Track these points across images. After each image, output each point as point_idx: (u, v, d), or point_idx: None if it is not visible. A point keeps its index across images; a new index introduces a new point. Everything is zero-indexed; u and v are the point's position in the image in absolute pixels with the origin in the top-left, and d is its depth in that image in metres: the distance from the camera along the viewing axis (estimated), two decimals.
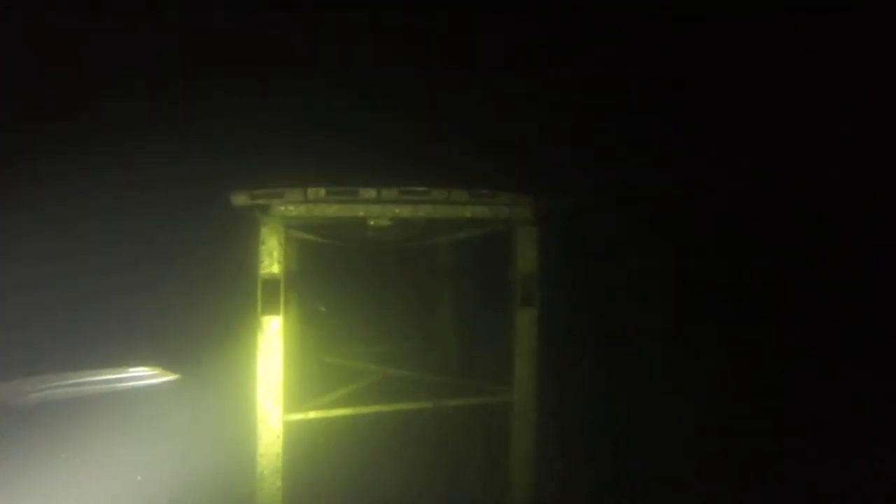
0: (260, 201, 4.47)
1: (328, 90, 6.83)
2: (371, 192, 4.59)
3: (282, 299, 4.73)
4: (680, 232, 6.01)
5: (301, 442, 5.09)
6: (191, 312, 6.03)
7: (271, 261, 4.70)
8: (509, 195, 5.01)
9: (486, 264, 6.52)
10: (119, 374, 5.48)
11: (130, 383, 5.53)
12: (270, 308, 4.69)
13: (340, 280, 7.52)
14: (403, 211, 4.87)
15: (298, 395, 5.21)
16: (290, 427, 4.77)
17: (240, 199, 4.43)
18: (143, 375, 5.53)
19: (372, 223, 4.99)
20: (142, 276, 5.99)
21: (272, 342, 4.69)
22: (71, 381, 5.44)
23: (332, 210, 4.72)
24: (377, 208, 4.81)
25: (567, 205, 5.18)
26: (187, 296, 6.05)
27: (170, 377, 5.58)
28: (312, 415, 4.92)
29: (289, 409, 4.79)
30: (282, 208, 4.62)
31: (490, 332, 6.11)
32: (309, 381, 5.83)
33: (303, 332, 6.65)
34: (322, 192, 4.48)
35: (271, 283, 4.69)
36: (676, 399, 5.59)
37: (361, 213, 4.79)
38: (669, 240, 5.98)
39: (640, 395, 5.85)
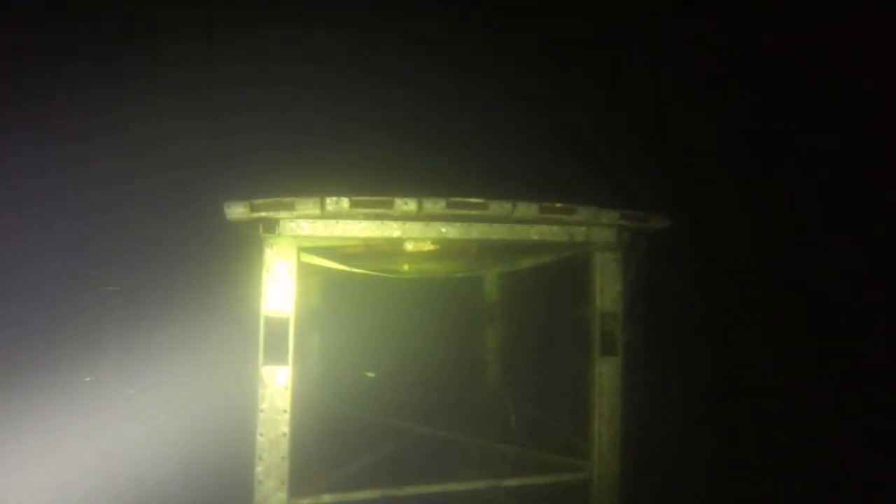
0: (263, 214, 3.35)
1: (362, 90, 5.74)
2: (410, 205, 3.44)
3: (291, 345, 3.59)
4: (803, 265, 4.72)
5: None
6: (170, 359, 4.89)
7: (279, 294, 3.58)
8: (590, 210, 3.82)
9: (548, 298, 5.31)
10: None
11: None
12: (275, 356, 3.55)
13: (364, 314, 6.38)
14: (451, 231, 3.72)
15: (310, 466, 4.02)
16: None
17: (236, 212, 3.32)
18: None
19: (410, 247, 3.85)
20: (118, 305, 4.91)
21: (276, 400, 3.54)
22: None
23: (359, 228, 3.59)
24: (417, 226, 3.66)
25: (663, 224, 3.97)
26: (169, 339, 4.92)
27: None
28: (327, 499, 3.73)
29: (297, 490, 3.62)
30: (292, 224, 3.50)
31: (557, 384, 4.89)
32: (324, 442, 4.63)
33: (319, 379, 5.50)
34: (345, 202, 3.35)
35: (277, 324, 3.56)
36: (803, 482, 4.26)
37: (397, 233, 3.64)
38: (787, 272, 4.70)
39: (758, 471, 4.52)
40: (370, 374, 5.81)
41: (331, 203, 3.35)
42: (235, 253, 3.97)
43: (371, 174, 4.31)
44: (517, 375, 5.81)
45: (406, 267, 5.83)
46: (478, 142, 5.44)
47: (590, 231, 3.98)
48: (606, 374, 4.11)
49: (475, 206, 3.57)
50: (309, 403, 4.86)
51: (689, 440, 4.51)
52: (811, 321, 4.84)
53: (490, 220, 3.75)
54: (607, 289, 4.13)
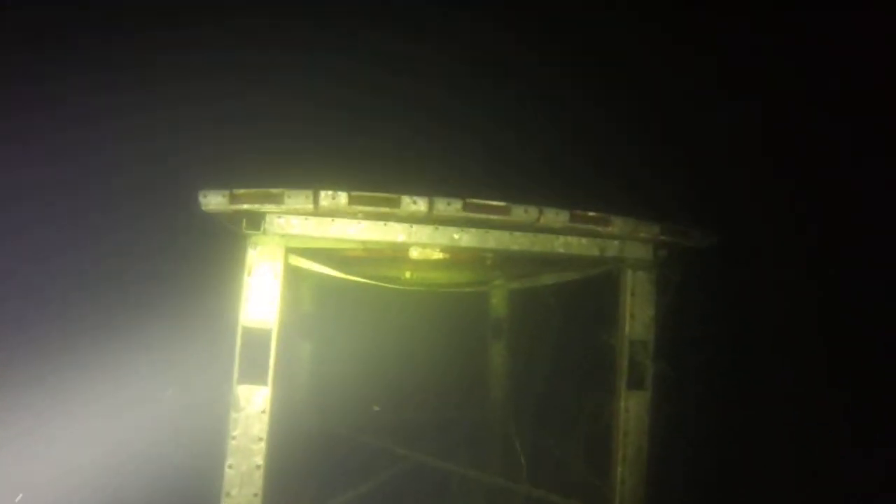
0: (245, 206, 2.83)
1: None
2: (419, 205, 2.92)
3: (272, 362, 3.07)
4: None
5: None
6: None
7: (261, 302, 3.06)
8: (627, 221, 3.31)
9: (564, 317, 4.79)
10: None
11: None
12: (253, 374, 3.03)
13: (360, 323, 5.86)
14: (465, 238, 3.20)
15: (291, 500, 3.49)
16: None
17: (213, 202, 2.80)
18: None
19: (416, 255, 3.33)
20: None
21: (252, 426, 3.02)
22: None
23: (358, 230, 3.07)
24: (426, 231, 3.15)
25: (708, 242, 3.46)
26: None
27: None
28: None
29: None
30: (280, 221, 2.98)
31: (570, 415, 4.36)
32: (310, 469, 4.10)
33: (308, 393, 4.98)
34: (343, 197, 2.83)
35: (258, 337, 3.04)
36: None
37: (402, 238, 3.12)
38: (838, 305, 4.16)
39: None
40: (376, 408, 5.28)
41: (326, 197, 2.83)
42: (214, 253, 3.44)
43: (376, 172, 3.76)
44: (524, 401, 5.27)
45: (408, 275, 5.32)
46: (495, 140, 4.90)
47: (623, 246, 3.47)
48: (633, 411, 3.58)
49: (496, 209, 3.06)
50: (294, 424, 4.36)
51: (721, 490, 3.97)
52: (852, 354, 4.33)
53: (511, 227, 3.24)
54: (639, 313, 3.60)
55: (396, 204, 2.91)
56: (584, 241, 3.42)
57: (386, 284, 5.07)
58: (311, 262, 3.37)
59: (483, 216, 3.05)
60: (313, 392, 5.22)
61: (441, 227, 3.16)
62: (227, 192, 2.79)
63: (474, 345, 6.11)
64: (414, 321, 6.11)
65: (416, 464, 4.58)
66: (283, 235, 3.01)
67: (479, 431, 5.36)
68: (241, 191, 2.82)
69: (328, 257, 3.67)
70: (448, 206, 2.96)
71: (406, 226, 3.11)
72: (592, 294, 4.08)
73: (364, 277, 4.81)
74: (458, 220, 3.09)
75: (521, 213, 3.09)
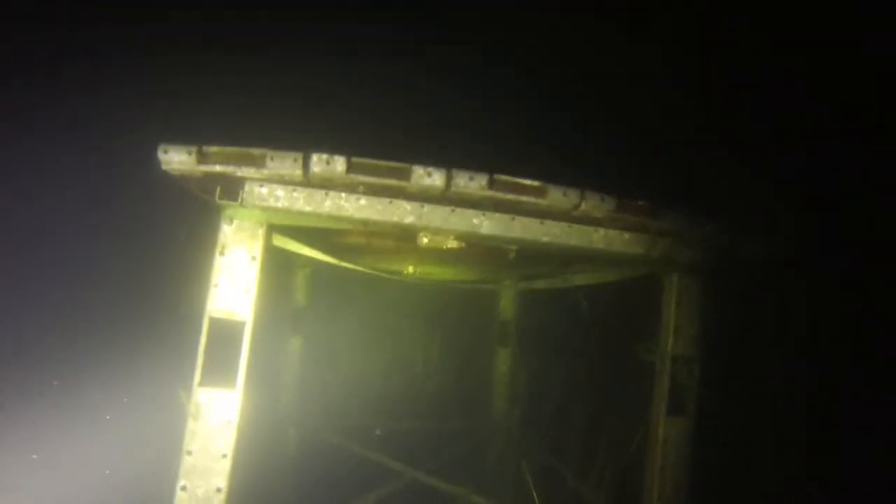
0: (218, 168, 2.26)
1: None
2: (435, 178, 2.35)
3: (244, 361, 2.50)
4: None
5: None
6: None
7: (234, 289, 2.50)
8: (679, 216, 2.74)
9: (585, 324, 4.22)
10: None
11: None
12: (218, 375, 2.47)
13: (357, 317, 5.31)
14: (488, 224, 2.63)
15: None
16: None
17: (177, 160, 2.23)
18: None
19: (426, 241, 2.76)
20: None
21: (213, 439, 2.45)
22: None
23: (357, 206, 2.50)
24: (440, 212, 2.57)
25: (779, 248, 2.89)
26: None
27: None
28: None
29: None
30: (262, 191, 2.41)
31: (591, 440, 3.79)
32: (290, 486, 3.54)
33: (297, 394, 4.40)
34: (340, 163, 2.27)
35: (227, 330, 2.48)
36: None
37: (410, 219, 2.55)
38: None
39: None
40: (378, 433, 4.72)
41: (319, 162, 2.27)
42: (179, 226, 2.87)
43: (385, 139, 3.17)
44: (534, 418, 4.69)
45: (411, 270, 4.76)
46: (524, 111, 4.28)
47: (673, 245, 2.89)
48: (673, 442, 3.02)
49: (528, 190, 2.49)
50: (276, 433, 3.79)
51: None
52: None
53: (543, 214, 2.67)
54: (685, 326, 3.05)
55: (406, 175, 2.34)
56: (627, 235, 2.86)
57: (386, 275, 4.53)
58: (298, 244, 2.81)
59: (512, 198, 2.48)
60: (301, 397, 4.66)
61: (458, 210, 2.59)
62: (193, 149, 2.22)
63: (479, 349, 5.56)
64: (414, 322, 5.57)
65: (411, 482, 4.02)
66: (264, 209, 2.45)
67: (481, 447, 4.79)
68: (213, 148, 2.26)
69: (320, 241, 3.11)
70: (470, 182, 2.39)
71: (417, 205, 2.54)
72: (624, 299, 3.52)
73: (358, 267, 4.28)
74: (480, 200, 2.52)
75: (558, 196, 2.52)
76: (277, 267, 3.22)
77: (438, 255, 3.80)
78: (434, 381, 5.35)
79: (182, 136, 2.29)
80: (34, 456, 3.44)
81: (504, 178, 2.44)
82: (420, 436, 4.82)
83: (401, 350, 5.48)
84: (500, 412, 5.12)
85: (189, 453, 2.44)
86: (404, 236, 2.99)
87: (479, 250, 3.17)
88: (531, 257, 3.51)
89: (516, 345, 5.41)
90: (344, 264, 3.24)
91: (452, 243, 2.81)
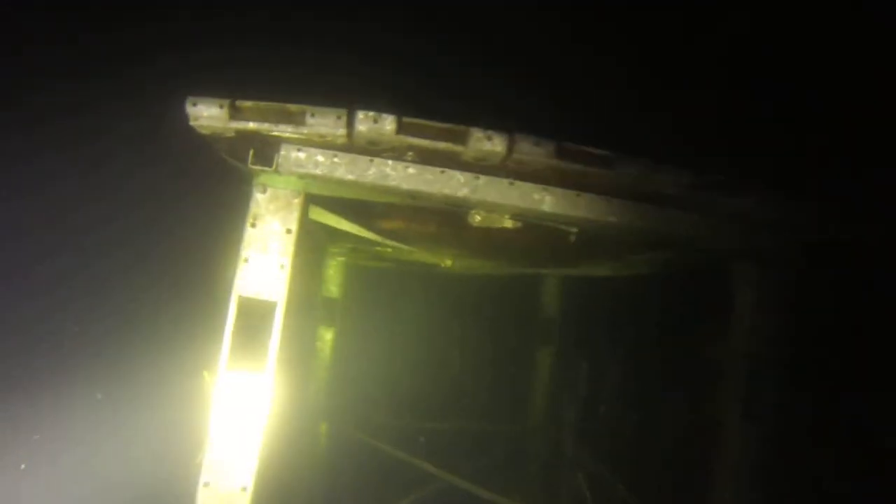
0: (252, 126, 2.01)
1: None
2: (495, 143, 2.07)
3: (275, 343, 2.25)
4: None
5: None
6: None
7: (266, 267, 2.25)
8: (763, 195, 2.42)
9: (638, 319, 3.91)
10: None
11: None
12: (248, 357, 2.23)
13: (389, 307, 5.06)
14: (550, 201, 2.34)
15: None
16: None
17: (206, 115, 1.98)
18: None
19: (479, 218, 2.49)
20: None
21: (244, 429, 2.20)
22: None
23: (404, 175, 2.22)
24: (498, 185, 2.29)
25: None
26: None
27: None
28: None
29: None
30: (299, 155, 2.15)
31: (649, 450, 3.48)
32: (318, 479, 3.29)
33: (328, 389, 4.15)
34: (390, 122, 2.00)
35: (257, 313, 2.24)
36: None
37: (464, 192, 2.27)
38: None
39: None
40: (422, 440, 4.47)
41: (365, 120, 2.00)
42: (203, 194, 2.63)
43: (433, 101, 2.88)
44: (579, 419, 4.38)
45: (449, 262, 4.50)
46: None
47: (753, 228, 2.58)
48: (746, 449, 2.70)
49: (597, 160, 2.20)
50: (305, 426, 3.55)
51: None
52: None
53: (610, 190, 2.38)
54: (763, 321, 2.72)
55: (462, 138, 2.07)
56: (695, 217, 2.55)
57: (423, 265, 4.27)
58: (338, 217, 2.55)
59: (580, 168, 2.19)
60: (332, 391, 4.41)
61: (518, 183, 2.31)
62: (225, 102, 1.97)
63: (520, 347, 5.27)
64: (450, 317, 5.30)
65: (447, 486, 3.75)
66: (301, 176, 2.19)
67: (522, 451, 4.50)
68: (247, 103, 2.00)
69: (362, 215, 2.85)
70: (535, 149, 2.11)
71: (471, 176, 2.26)
72: (685, 289, 3.21)
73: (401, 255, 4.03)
74: (542, 171, 2.23)
75: (630, 169, 2.23)
76: (310, 250, 2.97)
77: (483, 242, 3.53)
78: (471, 379, 5.07)
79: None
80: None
81: (572, 146, 2.15)
82: (457, 436, 4.55)
83: (436, 347, 5.21)
84: (543, 413, 4.82)
85: (213, 445, 2.19)
86: (449, 219, 2.72)
87: (530, 234, 2.89)
88: (586, 241, 3.22)
89: (560, 342, 5.12)
90: (388, 242, 2.98)
91: (508, 222, 2.54)
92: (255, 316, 2.26)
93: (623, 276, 3.80)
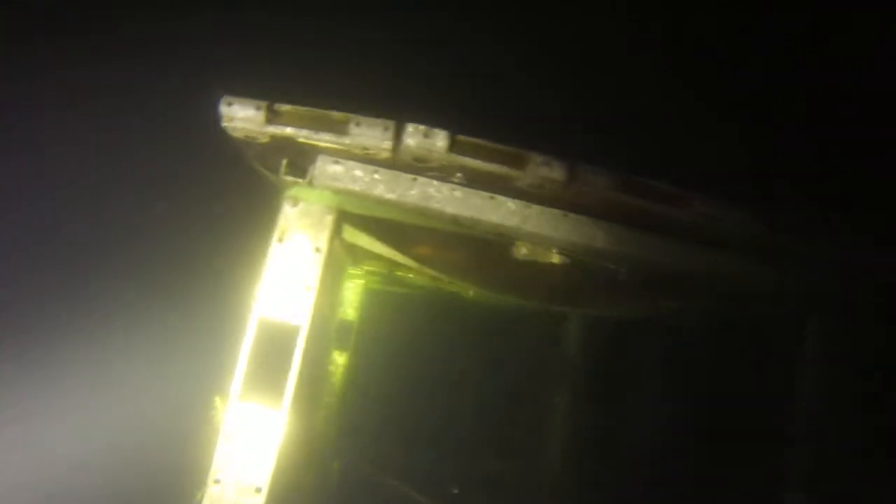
0: (289, 132, 1.81)
1: None
2: (554, 170, 1.86)
3: (295, 374, 2.03)
4: None
5: None
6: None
7: (291, 287, 2.04)
8: (842, 243, 2.19)
9: (671, 367, 3.66)
10: None
11: None
12: (262, 389, 2.01)
13: (404, 340, 4.85)
14: (603, 238, 2.12)
15: None
16: None
17: (241, 116, 1.79)
18: None
19: (525, 251, 2.27)
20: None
21: (246, 467, 1.97)
22: None
23: (450, 198, 2.02)
24: (551, 217, 2.07)
25: None
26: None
27: None
28: None
29: None
30: (336, 168, 1.95)
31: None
32: None
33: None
34: (442, 138, 1.80)
35: (279, 336, 2.03)
36: None
37: (514, 221, 2.05)
38: None
39: None
40: (455, 491, 4.22)
41: (415, 133, 1.81)
42: (229, 204, 2.44)
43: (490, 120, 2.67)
44: (598, 474, 4.09)
45: (472, 293, 4.28)
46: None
47: (826, 278, 2.35)
48: None
49: (664, 197, 1.98)
50: (312, 462, 3.31)
51: None
52: None
53: (670, 230, 2.15)
54: (828, 374, 2.48)
55: (520, 163, 1.87)
56: (764, 260, 2.32)
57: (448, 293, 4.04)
58: (372, 239, 2.35)
59: (644, 204, 1.97)
60: (343, 424, 4.17)
61: (573, 216, 2.09)
62: (263, 104, 1.78)
63: (536, 385, 5.01)
64: (469, 351, 5.06)
65: None
66: (337, 191, 1.99)
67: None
68: (287, 107, 1.81)
69: (397, 238, 2.64)
70: (597, 179, 1.90)
71: (523, 204, 2.05)
72: (739, 339, 2.98)
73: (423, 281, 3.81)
74: (603, 205, 2.02)
75: (700, 209, 2.00)
76: (331, 271, 2.77)
77: (512, 276, 3.30)
78: (488, 417, 4.81)
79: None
80: None
81: (639, 179, 1.94)
82: (463, 475, 4.28)
83: (455, 382, 4.96)
84: (559, 462, 4.54)
85: (217, 482, 1.96)
86: (487, 249, 2.51)
87: (568, 270, 2.66)
88: (630, 281, 2.99)
89: (579, 385, 4.85)
90: (417, 268, 2.77)
91: (555, 257, 2.31)
92: (274, 340, 2.05)
93: (664, 319, 3.57)
